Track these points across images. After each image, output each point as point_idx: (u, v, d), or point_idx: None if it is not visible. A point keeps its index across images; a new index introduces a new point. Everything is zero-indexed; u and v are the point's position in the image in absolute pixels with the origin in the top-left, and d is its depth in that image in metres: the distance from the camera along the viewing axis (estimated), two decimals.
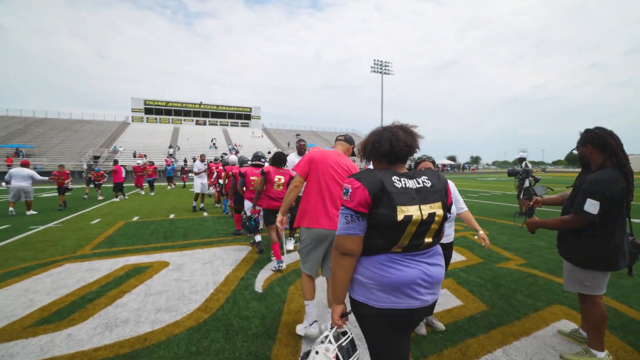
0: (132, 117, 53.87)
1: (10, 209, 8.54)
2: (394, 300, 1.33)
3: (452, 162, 66.03)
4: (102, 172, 13.26)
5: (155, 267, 4.16)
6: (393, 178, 1.36)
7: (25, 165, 9.04)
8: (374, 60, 57.17)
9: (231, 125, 60.44)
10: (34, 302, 3.18)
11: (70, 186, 10.22)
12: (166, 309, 3.01)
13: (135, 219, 8.03)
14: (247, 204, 5.08)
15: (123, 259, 4.59)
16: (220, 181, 9.08)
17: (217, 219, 7.99)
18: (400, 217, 1.29)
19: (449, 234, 2.67)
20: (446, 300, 3.17)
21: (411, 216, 1.31)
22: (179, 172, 23.07)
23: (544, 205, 2.49)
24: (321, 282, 3.50)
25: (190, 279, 3.75)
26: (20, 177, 8.61)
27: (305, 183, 2.59)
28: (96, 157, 34.48)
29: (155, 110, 55.86)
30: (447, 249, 2.67)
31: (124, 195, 12.83)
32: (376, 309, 1.34)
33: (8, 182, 8.69)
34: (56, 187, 10.38)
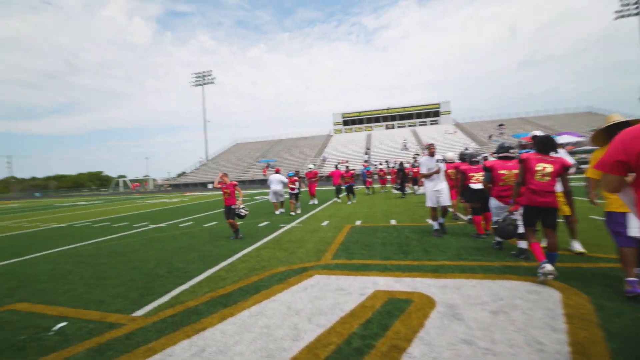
0: (334, 129, 61.19)
1: (276, 211, 10.17)
2: None
3: None
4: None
5: (418, 304, 3.00)
6: None
7: (277, 172, 10.54)
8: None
9: (420, 125, 58.22)
10: (299, 331, 2.59)
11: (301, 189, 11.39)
12: None
13: (357, 223, 7.66)
14: (494, 203, 4.58)
15: (370, 279, 3.74)
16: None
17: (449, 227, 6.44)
18: None
19: None
20: None
21: None
22: (376, 175, 23.20)
23: None
24: None
25: (492, 347, 2.22)
26: (276, 181, 10.05)
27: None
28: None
29: (351, 121, 61.24)
30: None
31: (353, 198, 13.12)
32: None
33: (269, 187, 10.32)
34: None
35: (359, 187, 20.59)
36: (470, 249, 4.80)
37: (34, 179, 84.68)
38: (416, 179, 15.58)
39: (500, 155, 4.55)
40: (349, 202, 12.26)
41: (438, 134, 49.91)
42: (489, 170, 4.50)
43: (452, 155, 7.80)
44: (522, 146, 4.87)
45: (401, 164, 14.72)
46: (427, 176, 5.80)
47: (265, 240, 6.21)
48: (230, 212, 6.42)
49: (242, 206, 6.53)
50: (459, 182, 6.00)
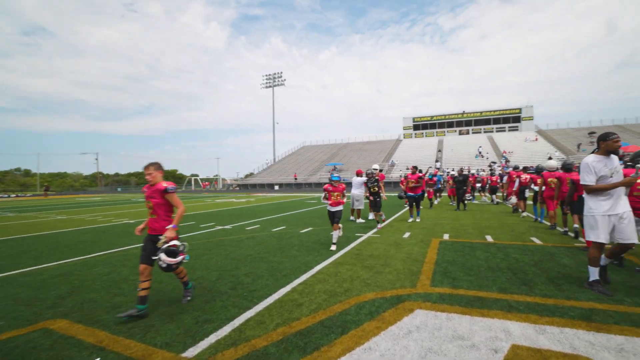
0: (404, 134, 58.64)
1: (351, 217, 9.39)
2: None
3: None
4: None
5: None
6: None
7: (359, 174, 9.59)
8: None
9: (497, 131, 52.50)
10: None
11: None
12: None
13: (446, 237, 6.52)
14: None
15: (496, 323, 2.75)
16: (536, 188, 8.78)
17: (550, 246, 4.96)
18: None
19: None
20: None
21: None
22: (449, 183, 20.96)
23: None
24: None
25: None
26: (357, 184, 9.17)
27: None
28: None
29: (422, 125, 58.01)
30: None
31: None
32: None
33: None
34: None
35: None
36: (620, 284, 3.43)
37: (117, 174, 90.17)
38: (495, 188, 14.63)
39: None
40: (410, 220, 9.12)
41: (517, 141, 44.48)
42: None
43: (555, 163, 7.74)
44: None
45: (461, 170, 12.70)
46: (609, 188, 3.33)
47: (342, 252, 5.52)
48: None
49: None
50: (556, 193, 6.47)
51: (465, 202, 12.06)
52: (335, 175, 6.14)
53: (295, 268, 4.64)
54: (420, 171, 12.06)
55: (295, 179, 43.15)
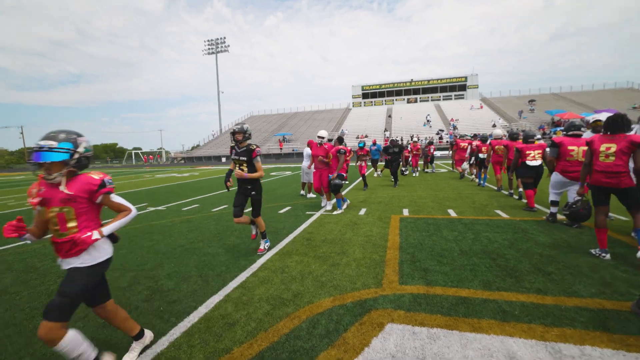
0: (353, 102, 58.18)
1: (302, 191, 8.50)
2: None
3: None
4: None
5: None
6: None
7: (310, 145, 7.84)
8: None
9: (444, 100, 54.57)
10: None
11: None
12: None
13: (405, 213, 5.92)
14: (556, 177, 4.67)
15: (493, 341, 2.04)
16: (482, 155, 9.20)
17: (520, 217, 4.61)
18: None
19: None
20: None
21: None
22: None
23: None
24: None
25: None
26: (308, 155, 7.86)
27: None
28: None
29: (370, 94, 57.90)
30: None
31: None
32: None
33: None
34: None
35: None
36: (624, 280, 2.99)
37: None
38: (433, 157, 14.62)
39: (571, 133, 4.61)
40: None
41: (463, 109, 46.61)
42: (557, 146, 4.56)
43: (500, 131, 8.56)
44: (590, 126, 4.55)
45: (394, 141, 10.66)
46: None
47: (290, 237, 4.57)
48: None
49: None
50: (505, 159, 7.26)
51: (404, 173, 11.52)
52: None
53: (232, 263, 3.61)
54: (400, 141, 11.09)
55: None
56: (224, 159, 40.34)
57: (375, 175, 13.57)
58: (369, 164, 16.98)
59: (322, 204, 6.86)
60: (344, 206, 6.53)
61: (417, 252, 3.72)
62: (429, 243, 4.06)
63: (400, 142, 14.48)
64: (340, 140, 6.94)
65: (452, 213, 5.76)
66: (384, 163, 11.25)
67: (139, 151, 56.98)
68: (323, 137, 6.42)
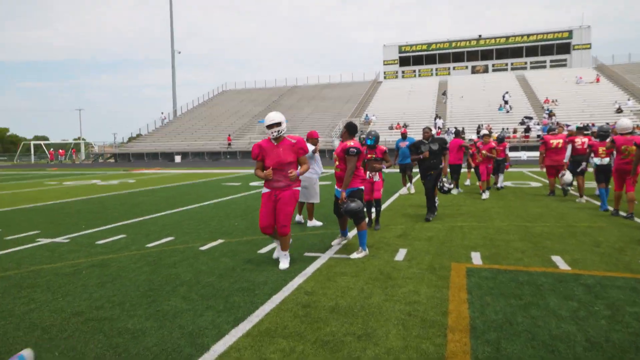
0: (385, 72, 59.11)
1: (297, 217, 8.84)
2: None
3: None
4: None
5: None
6: None
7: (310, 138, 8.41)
8: None
9: (532, 68, 54.81)
10: None
11: None
12: None
13: (476, 260, 5.60)
14: None
15: None
16: (597, 160, 9.68)
17: None
18: None
19: None
20: None
21: None
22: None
23: None
24: None
25: None
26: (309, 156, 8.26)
27: None
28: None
29: (413, 59, 58.72)
30: None
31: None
32: None
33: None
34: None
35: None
36: None
37: None
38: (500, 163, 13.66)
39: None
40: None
41: (565, 82, 46.66)
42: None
43: (628, 121, 9.00)
44: None
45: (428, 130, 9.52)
46: None
47: (275, 301, 4.17)
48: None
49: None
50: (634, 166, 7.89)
51: (445, 190, 9.02)
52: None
53: (164, 352, 3.15)
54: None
55: (230, 143, 42.48)
56: (177, 158, 41.02)
57: (404, 191, 13.28)
58: (398, 172, 15.40)
59: (274, 255, 5.81)
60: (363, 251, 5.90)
61: (504, 341, 3.27)
62: (524, 322, 3.60)
63: (455, 134, 13.81)
64: (350, 129, 6.05)
65: (561, 263, 5.43)
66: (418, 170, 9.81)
67: (42, 142, 58.08)
68: (279, 124, 5.31)
